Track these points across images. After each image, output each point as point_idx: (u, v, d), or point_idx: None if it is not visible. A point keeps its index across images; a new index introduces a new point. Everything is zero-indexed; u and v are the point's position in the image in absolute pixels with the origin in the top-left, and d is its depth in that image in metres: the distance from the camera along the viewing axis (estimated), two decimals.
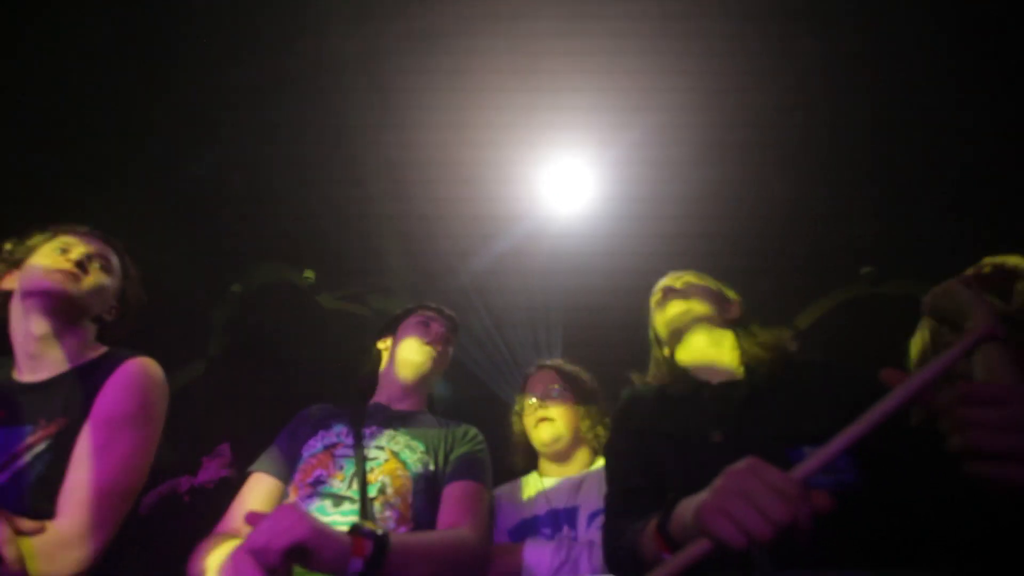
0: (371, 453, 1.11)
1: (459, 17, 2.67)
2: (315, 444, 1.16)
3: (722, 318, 1.22)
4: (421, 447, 1.16)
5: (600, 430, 1.49)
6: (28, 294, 1.02)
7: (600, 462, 1.47)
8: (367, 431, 1.16)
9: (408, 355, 1.34)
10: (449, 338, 1.42)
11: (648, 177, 3.31)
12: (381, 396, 1.35)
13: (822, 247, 3.60)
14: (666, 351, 1.27)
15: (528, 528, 1.36)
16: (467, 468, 1.17)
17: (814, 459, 0.61)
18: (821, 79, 2.74)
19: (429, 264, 3.94)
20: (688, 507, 0.69)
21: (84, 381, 1.00)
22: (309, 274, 4.02)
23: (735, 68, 2.70)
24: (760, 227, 3.40)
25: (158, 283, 1.29)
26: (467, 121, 3.04)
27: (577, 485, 1.41)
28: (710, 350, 1.16)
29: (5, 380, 1.04)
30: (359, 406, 1.28)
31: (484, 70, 2.81)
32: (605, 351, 2.09)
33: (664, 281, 1.33)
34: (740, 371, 1.13)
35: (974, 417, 0.53)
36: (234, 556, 0.76)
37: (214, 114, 3.01)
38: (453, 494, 1.11)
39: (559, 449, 1.47)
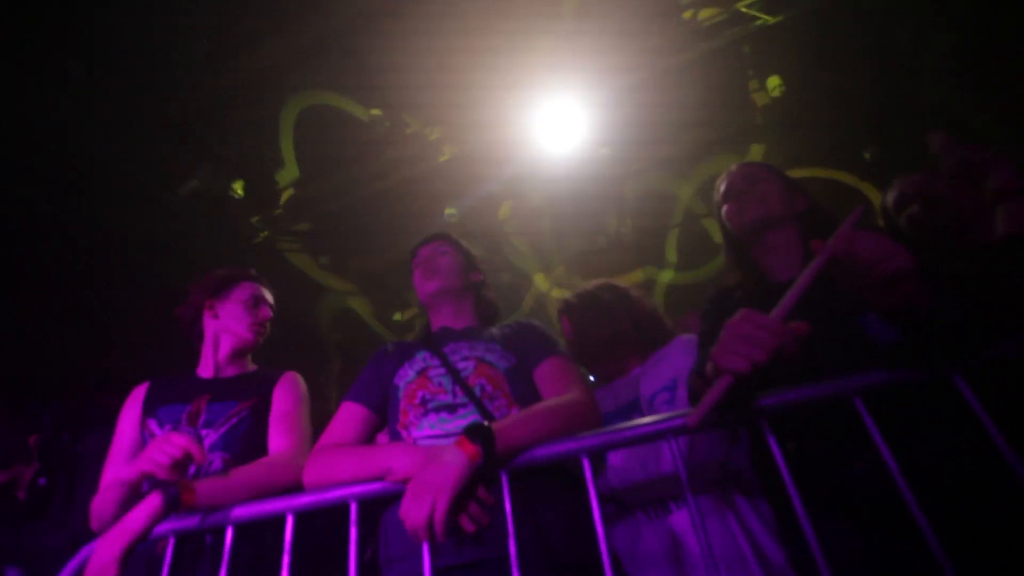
0: (459, 365, 1.22)
1: None
2: (407, 372, 1.25)
3: (790, 211, 1.22)
4: (498, 347, 1.27)
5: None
6: (231, 333, 1.51)
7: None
8: (446, 350, 1.26)
9: (419, 288, 1.46)
10: (441, 247, 1.49)
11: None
12: (438, 322, 1.44)
13: None
14: (733, 249, 1.31)
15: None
16: (545, 346, 1.26)
17: (785, 300, 0.81)
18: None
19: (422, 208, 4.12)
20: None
21: (258, 381, 1.46)
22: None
23: None
24: None
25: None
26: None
27: (636, 379, 1.50)
28: (779, 246, 1.20)
29: (193, 375, 1.50)
30: (426, 334, 1.39)
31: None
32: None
33: (726, 177, 1.32)
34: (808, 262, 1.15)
35: None
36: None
37: None
38: (544, 373, 1.21)
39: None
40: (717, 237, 4.32)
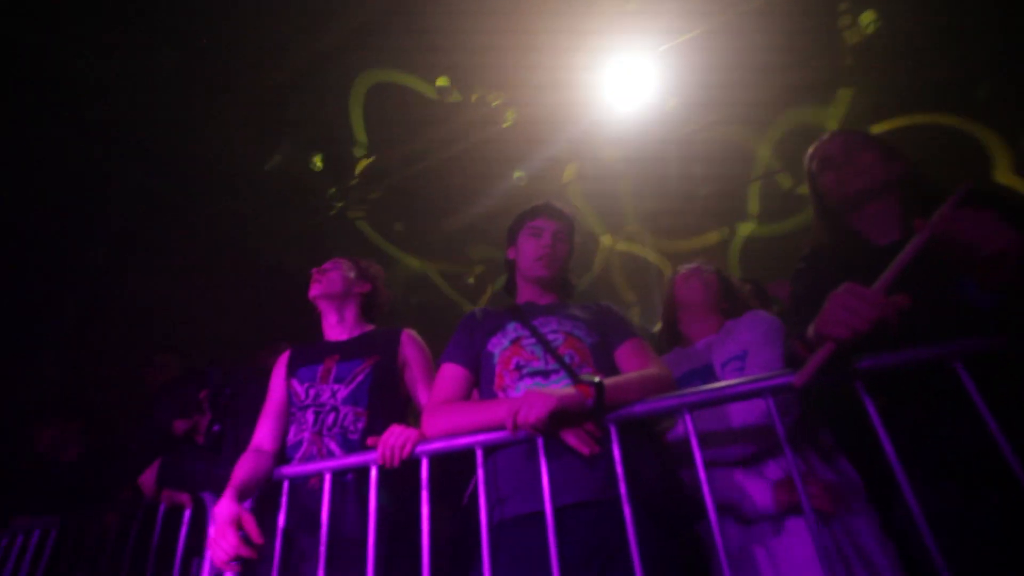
0: (549, 336, 1.31)
1: None
2: (501, 340, 1.34)
3: (889, 180, 1.20)
4: (583, 324, 1.36)
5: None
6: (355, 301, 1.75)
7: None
8: (535, 323, 1.35)
9: (528, 268, 1.49)
10: (561, 234, 1.52)
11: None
12: (524, 296, 1.52)
13: None
14: (827, 216, 1.30)
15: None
16: (626, 329, 1.37)
17: (886, 273, 0.86)
18: None
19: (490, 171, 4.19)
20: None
21: (379, 339, 1.62)
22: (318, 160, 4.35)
23: None
24: None
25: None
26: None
27: (709, 344, 1.56)
28: (878, 213, 1.20)
29: (322, 341, 1.67)
30: (514, 306, 1.46)
31: None
32: None
33: (819, 147, 1.31)
34: (906, 228, 1.16)
35: None
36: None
37: None
38: (627, 352, 1.32)
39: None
40: (793, 191, 4.13)
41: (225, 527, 1.13)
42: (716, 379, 1.43)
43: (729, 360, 1.46)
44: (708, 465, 0.99)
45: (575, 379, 1.14)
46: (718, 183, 4.38)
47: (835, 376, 0.92)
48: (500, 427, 1.12)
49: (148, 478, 1.63)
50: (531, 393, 1.05)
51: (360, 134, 4.26)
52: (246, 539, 1.13)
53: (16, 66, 3.43)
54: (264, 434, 1.48)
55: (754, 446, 1.28)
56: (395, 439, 1.18)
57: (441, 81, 3.86)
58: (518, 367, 1.28)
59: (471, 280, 5.30)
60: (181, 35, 3.61)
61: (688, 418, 1.02)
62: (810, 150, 1.34)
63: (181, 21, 3.54)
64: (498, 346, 1.34)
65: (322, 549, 1.13)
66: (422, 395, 1.52)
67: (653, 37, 3.50)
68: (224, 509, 1.17)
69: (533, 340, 1.31)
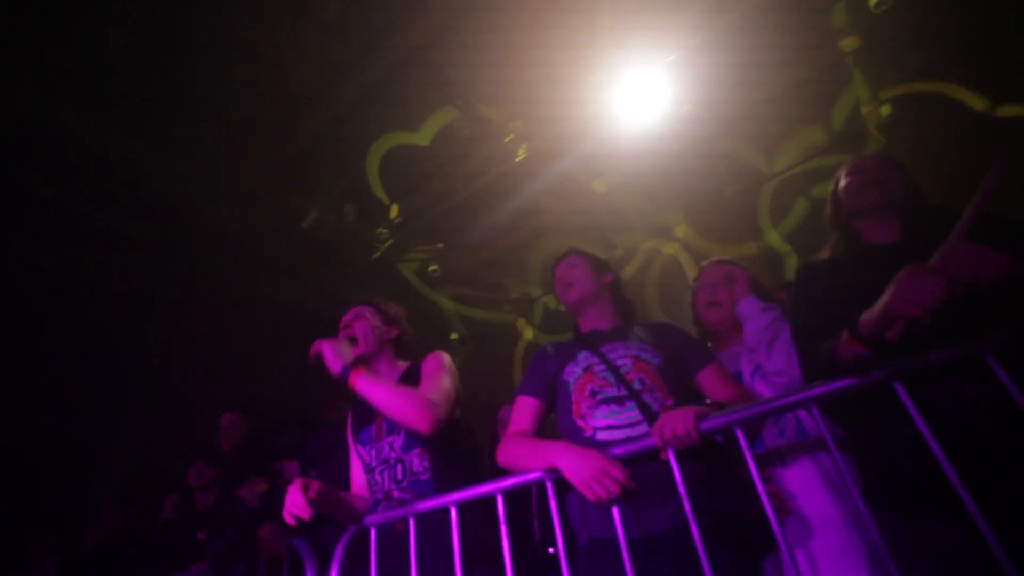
0: (618, 363, 1.40)
1: None
2: (575, 369, 1.44)
3: (902, 203, 1.30)
4: (648, 346, 1.45)
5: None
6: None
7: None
8: (603, 350, 1.45)
9: (562, 299, 1.66)
10: (581, 267, 1.65)
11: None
12: (588, 325, 1.62)
13: None
14: (840, 220, 1.39)
15: None
16: (704, 354, 1.46)
17: (955, 231, 0.94)
18: None
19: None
20: (873, 309, 0.98)
21: (412, 376, 1.63)
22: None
23: None
24: None
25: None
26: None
27: (736, 354, 1.63)
28: (879, 220, 1.30)
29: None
30: (582, 336, 1.57)
31: None
32: None
33: (857, 159, 1.41)
34: (904, 232, 1.27)
35: None
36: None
37: None
38: (711, 377, 1.40)
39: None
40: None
41: (296, 488, 1.27)
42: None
43: (756, 370, 1.53)
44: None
45: (643, 410, 1.25)
46: (741, 183, 4.38)
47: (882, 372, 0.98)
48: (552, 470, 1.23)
49: (266, 532, 1.75)
50: (670, 415, 1.15)
51: (380, 194, 4.49)
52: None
53: (74, 157, 3.80)
54: (359, 486, 1.59)
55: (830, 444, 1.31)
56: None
57: (452, 114, 4.04)
58: (592, 393, 1.37)
59: (507, 309, 5.43)
60: (215, 110, 3.91)
61: (740, 434, 1.09)
62: (840, 171, 1.43)
63: (215, 96, 3.83)
64: (572, 375, 1.43)
65: None
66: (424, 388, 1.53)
67: (659, 48, 3.60)
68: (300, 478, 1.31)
69: (603, 366, 1.40)
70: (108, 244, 4.23)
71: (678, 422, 1.11)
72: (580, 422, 1.35)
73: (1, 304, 3.74)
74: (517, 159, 4.03)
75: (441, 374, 1.56)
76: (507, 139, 3.98)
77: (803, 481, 1.31)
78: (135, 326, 4.48)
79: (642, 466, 1.19)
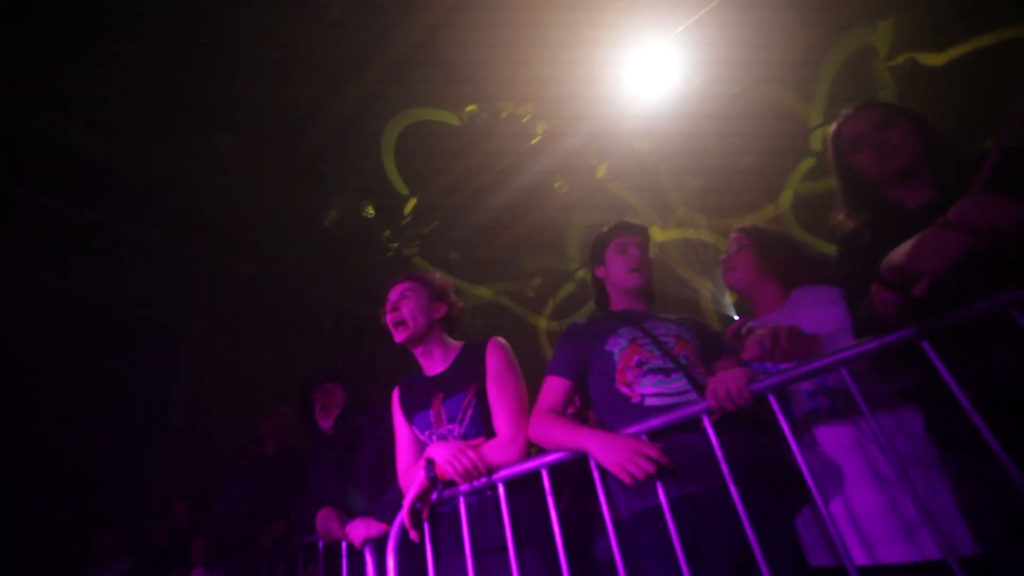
0: (663, 339, 1.44)
1: None
2: (619, 341, 1.47)
3: (919, 151, 1.22)
4: (685, 328, 1.50)
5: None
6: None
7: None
8: (646, 326, 1.49)
9: (623, 280, 1.64)
10: (644, 244, 1.68)
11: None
12: (621, 306, 1.65)
13: None
14: (855, 190, 1.33)
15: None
16: (723, 345, 1.49)
17: (975, 185, 0.92)
18: None
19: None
20: (897, 253, 0.98)
21: (470, 358, 1.61)
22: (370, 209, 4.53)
23: None
24: None
25: None
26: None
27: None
28: (909, 181, 1.24)
29: (423, 376, 1.67)
30: (620, 313, 1.59)
31: None
32: None
33: (845, 122, 1.33)
34: (936, 188, 1.21)
35: None
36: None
37: None
38: (726, 368, 1.40)
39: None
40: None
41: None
42: None
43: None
44: None
45: (692, 381, 1.31)
46: (761, 149, 4.30)
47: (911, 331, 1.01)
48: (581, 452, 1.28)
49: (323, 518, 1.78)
50: (723, 374, 1.19)
51: (398, 184, 4.53)
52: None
53: (104, 179, 3.93)
54: (408, 464, 1.60)
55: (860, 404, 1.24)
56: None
57: (470, 108, 4.05)
58: (640, 364, 1.40)
59: (532, 294, 5.48)
60: (232, 117, 3.99)
61: (772, 399, 1.13)
62: (833, 127, 1.35)
63: (231, 105, 3.91)
64: (616, 346, 1.46)
65: (468, 556, 1.31)
66: (496, 407, 1.50)
67: (668, 21, 3.54)
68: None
69: (648, 340, 1.44)
70: (139, 254, 4.38)
71: (732, 381, 1.15)
72: (626, 390, 1.38)
73: (50, 321, 3.92)
74: (534, 141, 4.03)
75: (511, 379, 1.53)
76: (524, 119, 3.97)
77: (847, 442, 1.29)
78: (170, 330, 4.64)
79: (680, 435, 1.23)
